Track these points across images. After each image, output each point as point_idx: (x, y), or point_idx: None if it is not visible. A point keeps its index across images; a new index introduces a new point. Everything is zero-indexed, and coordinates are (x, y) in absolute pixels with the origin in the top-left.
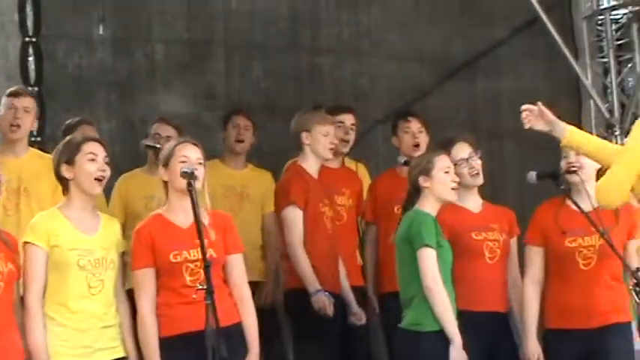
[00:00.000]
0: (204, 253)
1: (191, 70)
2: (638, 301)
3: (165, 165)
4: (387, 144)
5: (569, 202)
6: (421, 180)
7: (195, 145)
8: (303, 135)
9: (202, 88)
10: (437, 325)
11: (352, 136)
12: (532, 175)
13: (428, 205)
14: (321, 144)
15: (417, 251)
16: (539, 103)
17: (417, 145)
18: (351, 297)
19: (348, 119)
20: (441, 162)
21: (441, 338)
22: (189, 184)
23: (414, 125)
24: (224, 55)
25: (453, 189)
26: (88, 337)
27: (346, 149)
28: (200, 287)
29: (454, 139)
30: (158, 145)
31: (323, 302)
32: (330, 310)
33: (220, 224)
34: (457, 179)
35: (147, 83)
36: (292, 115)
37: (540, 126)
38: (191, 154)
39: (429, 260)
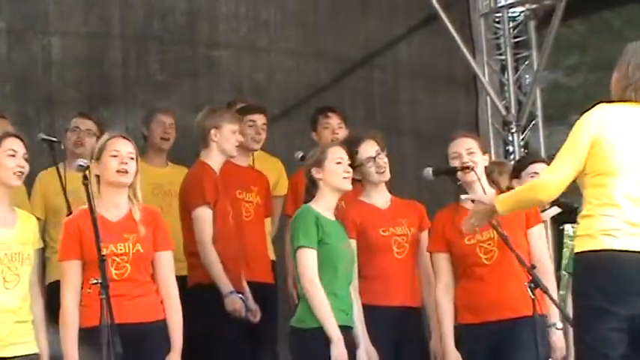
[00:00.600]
0: (98, 248)
1: (88, 62)
2: (533, 297)
3: (97, 159)
4: (284, 139)
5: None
6: (314, 172)
7: (126, 139)
8: (212, 132)
9: (98, 81)
10: (319, 323)
11: (263, 136)
12: (428, 172)
13: (323, 198)
14: (230, 142)
15: (296, 252)
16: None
17: (336, 140)
18: (248, 294)
19: (260, 119)
20: (334, 153)
21: (324, 335)
22: (85, 178)
23: (334, 120)
24: (120, 47)
25: (344, 178)
26: (1, 331)
27: (257, 147)
28: (94, 282)
29: (362, 137)
30: (55, 139)
31: (238, 304)
32: (243, 312)
33: (151, 220)
34: (350, 170)
35: (43, 75)
36: (189, 109)
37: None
38: (122, 148)
39: (304, 261)
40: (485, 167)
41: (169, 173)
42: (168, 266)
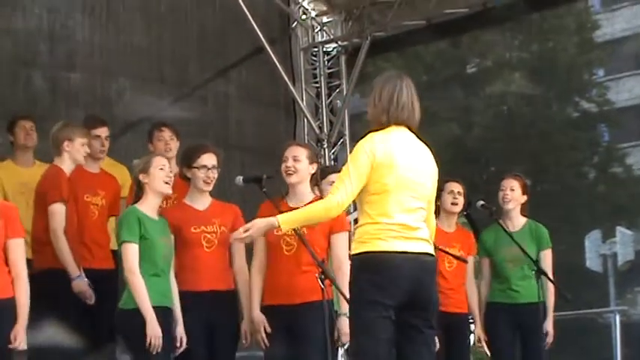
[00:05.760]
0: None
1: None
2: (322, 287)
3: None
4: (129, 149)
5: (286, 200)
6: (141, 177)
7: None
8: (65, 143)
9: None
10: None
11: (107, 146)
12: (239, 179)
13: (146, 199)
14: (80, 153)
15: (120, 246)
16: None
17: (169, 150)
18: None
19: (103, 132)
20: (157, 162)
21: (142, 315)
22: None
23: (167, 134)
24: None
25: (166, 183)
26: None
27: (103, 156)
28: None
29: (208, 148)
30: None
31: (84, 287)
32: (89, 295)
33: (3, 213)
34: (171, 175)
35: None
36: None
37: (259, 232)
38: None
39: (126, 254)
40: (314, 174)
41: (35, 172)
42: (18, 251)
